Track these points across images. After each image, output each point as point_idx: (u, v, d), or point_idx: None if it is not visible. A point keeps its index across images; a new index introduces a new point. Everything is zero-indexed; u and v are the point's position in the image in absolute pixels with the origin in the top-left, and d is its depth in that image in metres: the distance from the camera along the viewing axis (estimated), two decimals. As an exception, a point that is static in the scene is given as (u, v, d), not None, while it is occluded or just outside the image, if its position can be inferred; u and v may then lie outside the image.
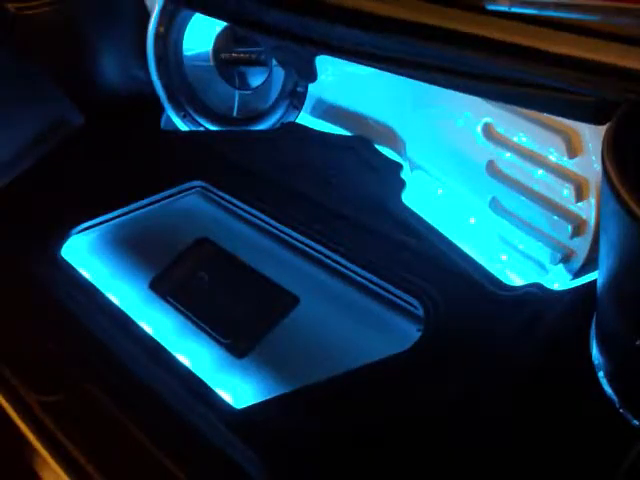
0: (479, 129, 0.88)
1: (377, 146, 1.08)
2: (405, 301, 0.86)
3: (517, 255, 0.88)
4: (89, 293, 0.94)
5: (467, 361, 0.77)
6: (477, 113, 0.87)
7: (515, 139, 0.84)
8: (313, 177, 1.03)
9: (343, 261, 0.92)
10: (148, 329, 0.89)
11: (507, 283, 0.84)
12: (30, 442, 0.77)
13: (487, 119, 0.86)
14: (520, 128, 0.81)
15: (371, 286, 0.90)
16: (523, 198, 0.84)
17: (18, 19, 1.14)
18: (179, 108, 1.18)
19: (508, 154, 0.85)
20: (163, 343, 0.85)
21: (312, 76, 0.99)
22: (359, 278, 0.91)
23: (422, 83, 0.77)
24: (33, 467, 0.78)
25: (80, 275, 0.98)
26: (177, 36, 1.17)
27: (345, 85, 1.14)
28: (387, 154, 1.07)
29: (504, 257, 0.89)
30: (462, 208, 0.95)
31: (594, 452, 0.66)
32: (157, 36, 1.16)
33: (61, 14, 1.15)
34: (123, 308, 0.91)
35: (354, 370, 0.78)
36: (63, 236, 1.04)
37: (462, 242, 0.90)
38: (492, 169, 0.88)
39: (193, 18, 1.18)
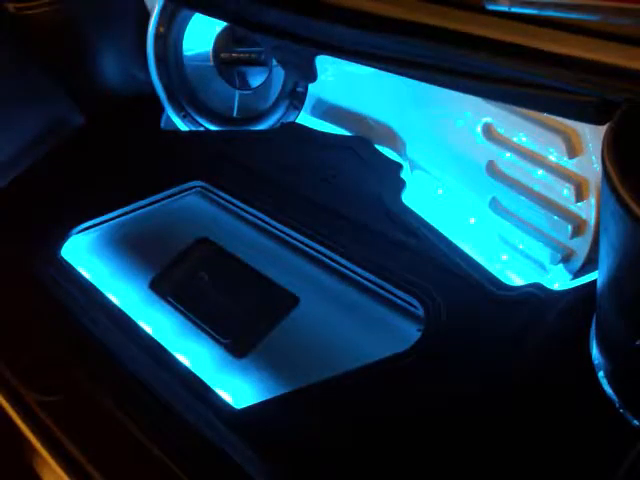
0: (479, 129, 0.88)
1: (377, 146, 1.07)
2: (405, 301, 0.86)
3: (517, 255, 0.88)
4: (89, 293, 0.94)
5: (467, 361, 0.77)
6: (477, 113, 0.87)
7: (515, 139, 0.83)
8: (313, 177, 1.03)
9: (343, 261, 0.92)
10: (148, 329, 0.89)
11: (507, 283, 0.84)
12: (30, 442, 0.76)
13: (487, 119, 0.86)
14: (520, 128, 0.81)
15: (371, 286, 0.90)
16: (523, 198, 0.84)
17: (18, 19, 1.14)
18: (179, 108, 1.18)
19: (508, 154, 0.85)
20: (163, 343, 0.85)
21: (312, 76, 0.99)
22: (359, 278, 0.91)
23: (422, 83, 0.77)
24: (33, 467, 0.78)
25: (80, 275, 0.98)
26: (177, 36, 1.17)
27: (345, 85, 1.14)
28: (387, 154, 1.07)
29: (504, 257, 0.89)
30: (462, 208, 0.95)
31: (594, 452, 0.66)
32: (157, 36, 1.16)
33: (61, 14, 1.14)
34: (123, 308, 0.91)
35: (354, 370, 0.78)
36: (63, 236, 1.04)
37: (462, 242, 0.89)
38: (492, 169, 0.88)
39: (193, 18, 1.18)
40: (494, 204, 0.89)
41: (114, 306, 0.92)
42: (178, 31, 1.17)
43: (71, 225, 1.06)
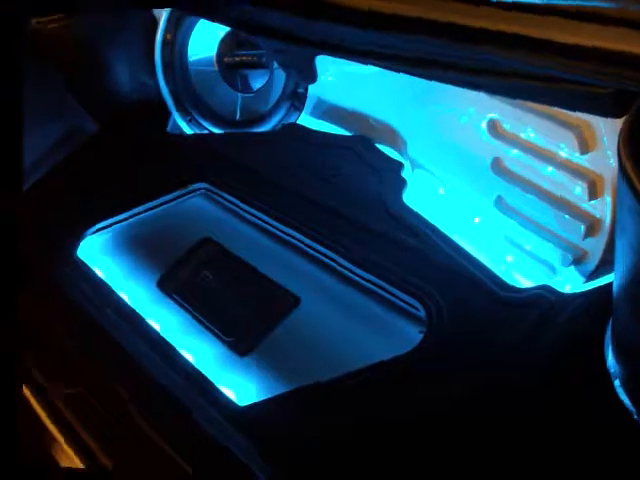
0: (484, 125, 0.75)
1: (378, 145, 0.94)
2: (407, 303, 0.75)
3: (524, 256, 0.75)
4: (103, 291, 0.86)
5: (470, 367, 0.65)
6: (482, 109, 0.74)
7: (522, 135, 0.70)
8: (314, 177, 0.93)
9: (344, 262, 0.81)
10: (156, 326, 0.81)
11: (513, 285, 0.71)
12: (49, 429, 0.73)
13: (492, 115, 0.73)
14: (528, 123, 0.68)
15: (372, 287, 0.79)
16: (531, 196, 0.71)
17: (38, 33, 1.06)
18: (185, 112, 1.09)
19: (515, 151, 0.71)
20: (170, 340, 0.77)
21: (312, 76, 0.88)
22: (360, 279, 0.80)
23: (423, 80, 0.64)
24: (51, 452, 0.73)
25: (94, 274, 0.90)
26: (182, 42, 1.09)
27: (345, 85, 1.03)
28: (388, 153, 0.94)
29: (510, 258, 0.76)
30: (465, 207, 0.82)
31: (611, 466, 0.54)
32: (164, 43, 1.07)
33: (76, 28, 1.10)
34: (133, 306, 0.83)
35: (354, 372, 0.67)
36: (79, 237, 0.96)
37: (466, 242, 0.77)
38: (498, 167, 0.74)
39: (198, 24, 1.07)
40: (500, 203, 0.75)
41: (125, 304, 0.84)
42: (183, 37, 1.09)
43: (86, 226, 0.98)
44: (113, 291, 0.87)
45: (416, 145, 0.89)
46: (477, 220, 0.80)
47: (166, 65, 1.06)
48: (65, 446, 0.70)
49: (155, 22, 1.09)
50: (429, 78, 0.65)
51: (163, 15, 1.07)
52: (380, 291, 0.78)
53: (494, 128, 0.73)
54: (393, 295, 0.76)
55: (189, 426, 0.66)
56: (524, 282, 0.73)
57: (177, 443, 0.65)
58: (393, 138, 0.92)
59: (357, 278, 0.80)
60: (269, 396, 0.68)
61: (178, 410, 0.69)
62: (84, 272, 0.91)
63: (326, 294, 0.81)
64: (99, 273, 0.91)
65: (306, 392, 0.67)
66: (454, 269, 0.72)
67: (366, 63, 0.72)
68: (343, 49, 0.71)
